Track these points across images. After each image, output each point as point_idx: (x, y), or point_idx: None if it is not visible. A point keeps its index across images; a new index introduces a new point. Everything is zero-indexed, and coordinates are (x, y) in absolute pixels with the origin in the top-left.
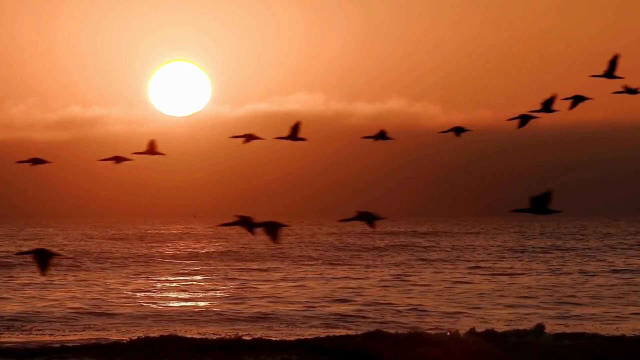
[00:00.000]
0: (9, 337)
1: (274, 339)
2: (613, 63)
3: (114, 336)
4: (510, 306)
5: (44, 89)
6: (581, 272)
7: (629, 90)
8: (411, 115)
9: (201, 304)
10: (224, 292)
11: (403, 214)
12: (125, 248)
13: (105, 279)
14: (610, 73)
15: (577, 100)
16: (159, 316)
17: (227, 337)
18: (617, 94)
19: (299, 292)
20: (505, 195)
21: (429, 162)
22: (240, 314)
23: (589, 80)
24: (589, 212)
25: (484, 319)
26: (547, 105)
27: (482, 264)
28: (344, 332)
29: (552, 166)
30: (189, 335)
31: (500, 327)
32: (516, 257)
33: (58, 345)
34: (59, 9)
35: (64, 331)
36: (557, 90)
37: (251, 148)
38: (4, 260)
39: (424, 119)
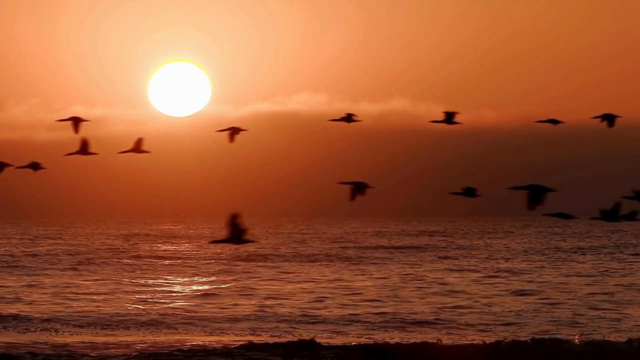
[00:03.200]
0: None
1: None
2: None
3: (225, 340)
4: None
5: (46, 89)
6: None
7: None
8: (414, 115)
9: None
10: (282, 293)
11: (406, 213)
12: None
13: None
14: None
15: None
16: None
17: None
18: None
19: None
20: (503, 194)
21: (429, 161)
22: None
23: (590, 79)
24: (588, 211)
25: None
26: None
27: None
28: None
29: (551, 165)
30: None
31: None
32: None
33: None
34: (59, 11)
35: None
36: (560, 88)
37: (253, 148)
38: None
39: (427, 120)
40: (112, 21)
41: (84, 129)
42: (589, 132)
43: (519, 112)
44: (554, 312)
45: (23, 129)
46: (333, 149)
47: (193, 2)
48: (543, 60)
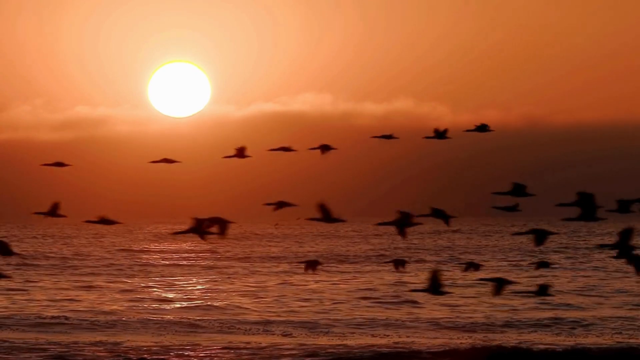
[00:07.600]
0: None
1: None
2: None
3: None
4: None
5: (50, 90)
6: None
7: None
8: (418, 115)
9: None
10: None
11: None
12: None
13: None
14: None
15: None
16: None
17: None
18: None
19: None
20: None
21: (431, 160)
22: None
23: (591, 78)
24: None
25: None
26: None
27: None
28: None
29: (552, 164)
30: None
31: None
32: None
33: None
34: (61, 12)
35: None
36: (563, 87)
37: (256, 148)
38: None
39: (431, 120)
40: (114, 22)
41: (89, 129)
42: (590, 132)
43: (521, 111)
44: None
45: (27, 129)
46: (337, 149)
47: (193, 3)
48: (545, 59)
